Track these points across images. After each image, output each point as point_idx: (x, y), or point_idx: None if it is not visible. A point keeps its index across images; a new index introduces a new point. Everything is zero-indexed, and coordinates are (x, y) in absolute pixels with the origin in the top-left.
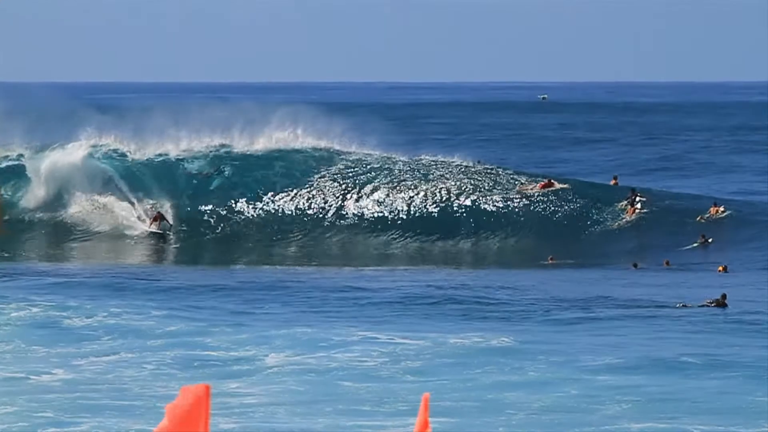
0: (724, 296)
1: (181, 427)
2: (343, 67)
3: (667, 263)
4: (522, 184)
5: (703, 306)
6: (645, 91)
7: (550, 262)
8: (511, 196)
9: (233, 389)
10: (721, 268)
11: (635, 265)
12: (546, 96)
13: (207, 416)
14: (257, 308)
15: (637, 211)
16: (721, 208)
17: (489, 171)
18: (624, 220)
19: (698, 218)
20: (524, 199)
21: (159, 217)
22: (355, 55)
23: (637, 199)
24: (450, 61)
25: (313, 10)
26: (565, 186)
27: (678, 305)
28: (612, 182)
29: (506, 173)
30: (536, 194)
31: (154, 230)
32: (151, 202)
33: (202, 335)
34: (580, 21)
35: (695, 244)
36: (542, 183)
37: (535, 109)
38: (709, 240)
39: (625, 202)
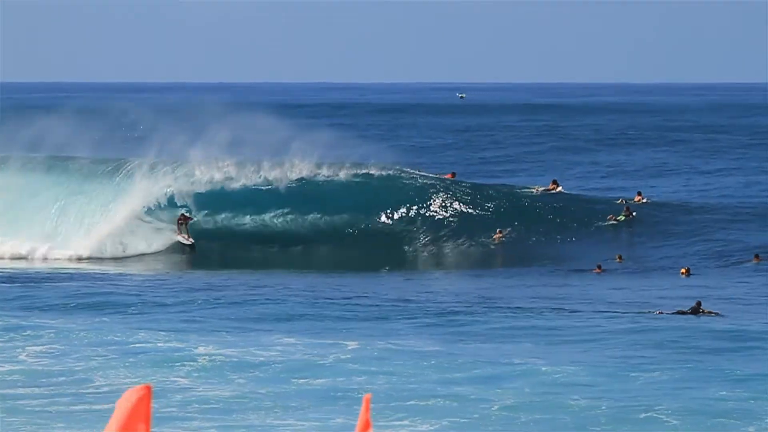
0: (699, 303)
1: (124, 428)
2: (261, 68)
3: (620, 258)
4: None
5: (678, 313)
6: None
7: (498, 235)
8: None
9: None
10: (683, 271)
11: (599, 267)
12: (464, 95)
13: (148, 416)
14: (185, 313)
15: (559, 189)
16: (645, 199)
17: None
18: (549, 194)
19: (619, 201)
20: (443, 199)
21: (184, 220)
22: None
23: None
24: (374, 62)
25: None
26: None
27: (656, 312)
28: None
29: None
30: (452, 192)
31: (183, 241)
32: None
33: (135, 336)
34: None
35: (621, 217)
36: (450, 174)
37: (455, 109)
38: (633, 213)
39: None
